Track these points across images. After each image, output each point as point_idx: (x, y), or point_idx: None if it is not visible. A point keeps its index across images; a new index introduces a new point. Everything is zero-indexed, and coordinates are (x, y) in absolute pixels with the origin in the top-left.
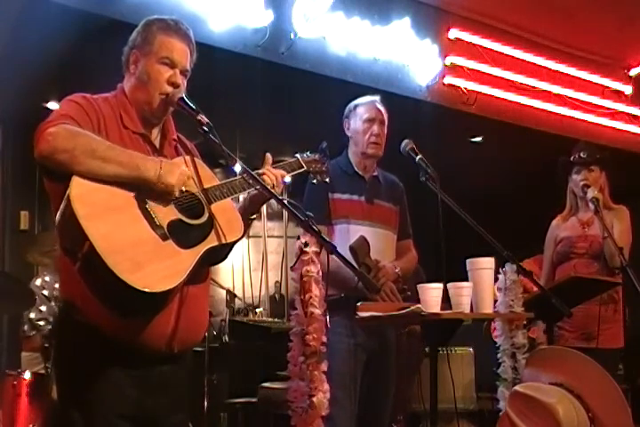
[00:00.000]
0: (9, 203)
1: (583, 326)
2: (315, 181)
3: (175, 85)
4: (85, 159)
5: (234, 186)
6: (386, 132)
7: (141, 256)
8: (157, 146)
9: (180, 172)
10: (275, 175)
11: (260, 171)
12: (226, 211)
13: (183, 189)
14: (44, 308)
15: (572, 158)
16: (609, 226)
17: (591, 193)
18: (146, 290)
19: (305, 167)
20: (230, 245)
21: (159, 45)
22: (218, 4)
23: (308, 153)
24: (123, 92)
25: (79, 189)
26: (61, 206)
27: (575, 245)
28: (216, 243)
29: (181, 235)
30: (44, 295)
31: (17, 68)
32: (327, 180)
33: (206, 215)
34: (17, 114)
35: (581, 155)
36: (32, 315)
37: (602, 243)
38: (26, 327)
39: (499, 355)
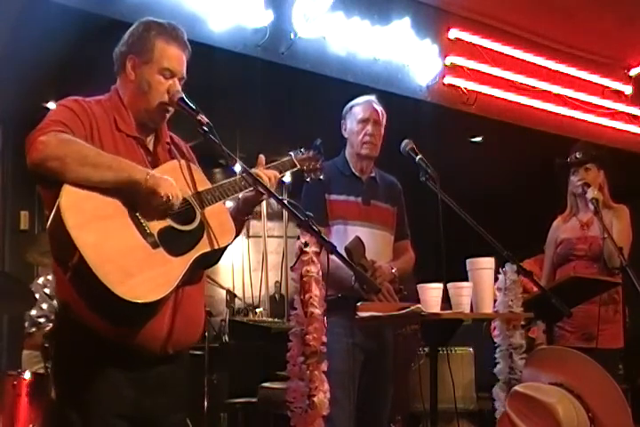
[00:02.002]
0: (9, 203)
1: (584, 327)
2: (308, 180)
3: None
4: (76, 166)
5: (226, 189)
6: (382, 131)
7: (132, 265)
8: (151, 149)
9: (170, 182)
10: (267, 176)
11: (253, 171)
12: (218, 214)
13: (170, 197)
14: (45, 305)
15: (568, 160)
16: (608, 225)
17: (591, 193)
18: (135, 301)
19: (298, 166)
20: (222, 250)
21: (160, 55)
22: (218, 4)
23: (301, 150)
24: (117, 94)
25: (69, 197)
26: (51, 215)
27: (575, 246)
28: (207, 249)
29: (172, 242)
30: (46, 294)
31: (17, 68)
32: (321, 177)
33: (198, 220)
34: (17, 114)
35: (577, 155)
36: (33, 312)
37: (601, 244)
38: (27, 324)
39: (496, 355)
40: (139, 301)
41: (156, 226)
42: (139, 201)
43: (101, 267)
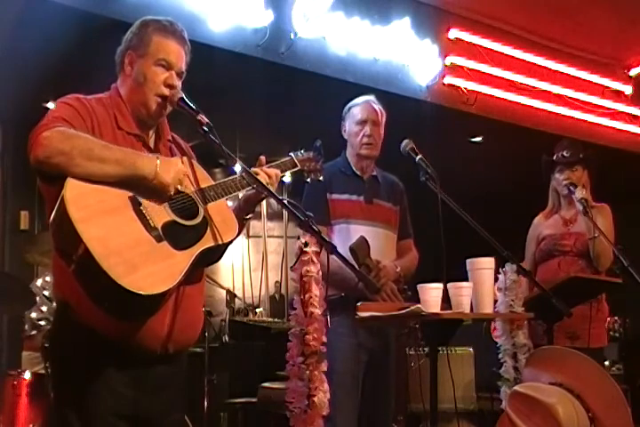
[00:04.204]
0: (9, 203)
1: (567, 326)
2: (309, 180)
3: (171, 87)
4: (82, 161)
5: (229, 186)
6: (382, 131)
7: (136, 259)
8: (152, 146)
9: (177, 169)
10: (269, 174)
11: (254, 170)
12: (221, 211)
13: (179, 187)
14: (44, 308)
15: (554, 157)
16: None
17: (579, 194)
18: (141, 293)
19: (299, 166)
20: (225, 246)
21: (156, 47)
22: (218, 4)
23: (302, 151)
24: (117, 92)
25: (73, 191)
26: (55, 208)
27: (560, 242)
28: (211, 243)
29: (176, 236)
30: (45, 296)
31: (17, 68)
32: (321, 178)
33: (201, 216)
34: (17, 114)
35: (564, 154)
36: (33, 314)
37: (586, 241)
38: (27, 327)
39: (500, 355)
40: (144, 292)
41: (159, 220)
42: (144, 193)
43: (107, 260)
